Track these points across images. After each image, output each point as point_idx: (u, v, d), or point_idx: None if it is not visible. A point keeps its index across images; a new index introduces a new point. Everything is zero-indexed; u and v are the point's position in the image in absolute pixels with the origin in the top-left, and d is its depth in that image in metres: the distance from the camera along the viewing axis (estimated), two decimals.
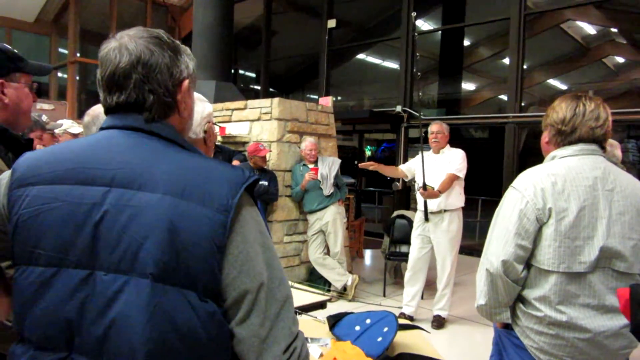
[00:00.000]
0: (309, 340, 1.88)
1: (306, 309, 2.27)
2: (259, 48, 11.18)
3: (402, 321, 1.98)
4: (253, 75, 12.52)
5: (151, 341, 0.80)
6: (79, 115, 9.42)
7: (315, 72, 9.82)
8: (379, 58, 10.29)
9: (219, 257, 0.82)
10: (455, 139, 4.46)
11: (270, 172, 4.78)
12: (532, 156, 6.95)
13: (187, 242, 0.81)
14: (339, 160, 5.13)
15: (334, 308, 2.89)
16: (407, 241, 4.73)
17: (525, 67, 6.97)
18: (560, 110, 1.62)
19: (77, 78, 11.28)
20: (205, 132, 1.43)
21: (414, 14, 5.40)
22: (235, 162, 4.79)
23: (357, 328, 1.93)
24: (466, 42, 9.03)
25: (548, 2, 7.35)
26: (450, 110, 8.66)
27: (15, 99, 1.37)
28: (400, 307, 4.32)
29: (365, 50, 10.13)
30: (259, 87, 11.42)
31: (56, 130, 3.50)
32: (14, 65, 1.37)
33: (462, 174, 4.08)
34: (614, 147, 2.98)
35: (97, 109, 1.62)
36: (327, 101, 5.83)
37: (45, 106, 7.31)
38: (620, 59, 7.56)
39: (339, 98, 10.32)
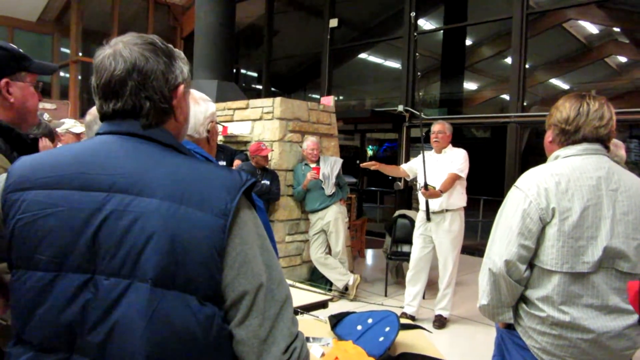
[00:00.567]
0: (311, 339, 1.88)
1: (308, 308, 2.27)
2: (261, 47, 11.19)
3: (403, 321, 1.97)
4: (255, 74, 12.52)
5: (151, 345, 0.81)
6: (81, 114, 9.43)
7: (317, 71, 9.82)
8: (381, 57, 10.28)
9: (219, 261, 0.83)
10: (457, 139, 4.45)
11: (272, 172, 4.78)
12: (534, 156, 6.94)
13: (186, 247, 0.82)
14: (341, 160, 5.13)
15: (336, 308, 2.89)
16: (408, 241, 4.72)
17: (527, 66, 6.95)
18: (564, 109, 1.62)
19: (79, 77, 11.30)
20: (208, 131, 1.43)
21: (412, 13, 5.39)
22: (237, 162, 4.79)
23: (359, 328, 1.93)
24: (468, 42, 9.01)
25: (550, 2, 7.34)
26: (452, 110, 8.65)
27: (20, 98, 1.37)
28: (402, 307, 4.32)
29: (367, 49, 10.12)
30: (260, 87, 11.42)
31: (58, 129, 3.50)
32: (19, 65, 1.37)
33: (464, 173, 4.07)
34: (618, 147, 2.95)
35: None
36: (328, 101, 5.82)
37: (48, 105, 7.33)
38: (622, 59, 7.55)
39: (341, 97, 10.32)
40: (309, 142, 4.92)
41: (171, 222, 0.82)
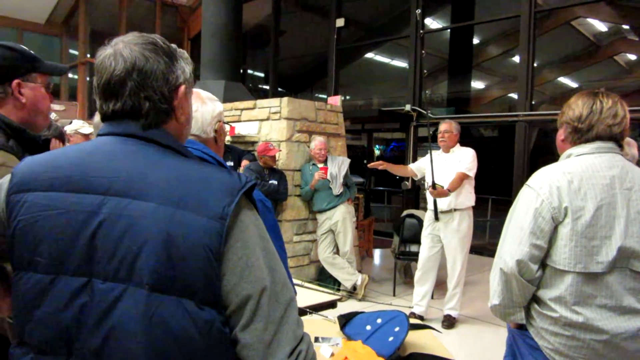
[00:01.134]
0: (320, 339, 1.88)
1: (316, 308, 2.27)
2: (268, 48, 11.20)
3: (412, 321, 1.97)
4: (262, 75, 12.54)
5: (150, 350, 0.81)
6: (90, 115, 9.50)
7: (323, 71, 9.81)
8: (388, 57, 10.26)
9: (216, 265, 0.82)
10: (465, 138, 4.42)
11: (279, 172, 4.78)
12: (542, 155, 6.89)
13: (183, 251, 0.81)
14: (349, 160, 5.12)
15: (344, 307, 2.87)
16: (417, 240, 4.70)
17: (535, 65, 6.90)
18: (577, 107, 1.59)
19: (87, 78, 11.38)
20: (215, 131, 1.42)
21: (418, 11, 5.38)
22: (245, 162, 4.80)
23: (368, 327, 1.93)
24: (476, 40, 8.97)
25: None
26: (459, 109, 8.61)
27: (32, 99, 1.38)
28: (411, 307, 4.30)
29: (373, 49, 10.10)
30: (267, 87, 11.44)
31: (66, 129, 3.52)
32: (31, 66, 1.37)
33: (472, 173, 4.05)
34: (632, 146, 2.91)
35: None
36: (336, 100, 5.81)
37: (56, 107, 7.38)
38: (632, 56, 7.47)
39: (348, 97, 10.30)
40: (317, 142, 4.92)
41: (167, 226, 0.81)
